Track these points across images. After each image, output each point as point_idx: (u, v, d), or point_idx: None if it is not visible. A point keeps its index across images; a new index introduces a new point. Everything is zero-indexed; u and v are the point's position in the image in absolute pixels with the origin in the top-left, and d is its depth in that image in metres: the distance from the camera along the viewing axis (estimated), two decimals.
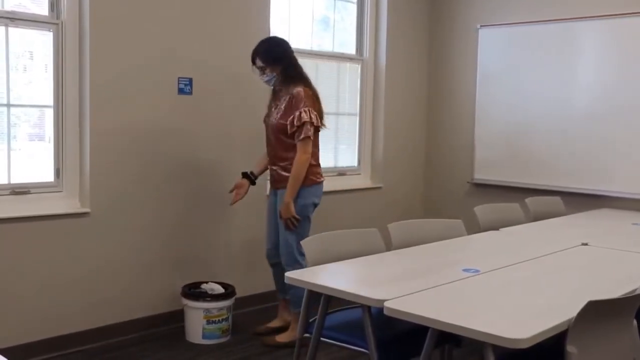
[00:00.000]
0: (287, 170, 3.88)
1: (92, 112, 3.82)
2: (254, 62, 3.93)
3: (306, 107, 3.80)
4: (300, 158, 3.82)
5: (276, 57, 3.91)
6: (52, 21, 3.76)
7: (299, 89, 3.84)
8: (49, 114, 3.82)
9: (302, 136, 3.80)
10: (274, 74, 3.90)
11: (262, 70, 3.92)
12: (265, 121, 4.06)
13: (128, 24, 3.93)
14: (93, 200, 3.85)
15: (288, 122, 3.81)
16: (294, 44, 5.00)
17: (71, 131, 3.85)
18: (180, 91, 4.20)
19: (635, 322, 2.29)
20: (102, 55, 3.83)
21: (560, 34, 5.10)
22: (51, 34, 3.76)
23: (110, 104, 3.89)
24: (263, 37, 4.59)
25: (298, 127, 3.79)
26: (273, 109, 3.97)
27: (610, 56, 4.88)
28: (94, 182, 3.85)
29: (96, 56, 3.81)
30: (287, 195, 3.83)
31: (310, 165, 3.88)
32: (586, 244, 3.33)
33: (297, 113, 3.79)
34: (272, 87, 4.01)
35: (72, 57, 3.82)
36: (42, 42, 3.77)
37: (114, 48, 3.88)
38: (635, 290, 2.23)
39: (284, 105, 3.87)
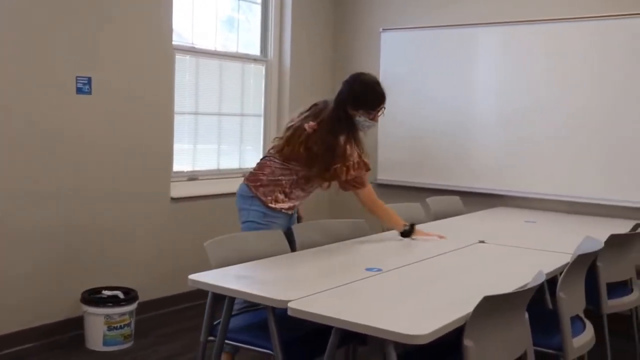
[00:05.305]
0: None
1: None
2: (383, 102, 3.55)
3: None
4: None
5: None
6: None
7: None
8: None
9: None
10: None
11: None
12: None
13: (23, 17, 3.75)
14: None
15: None
16: (198, 44, 4.98)
17: None
18: (79, 91, 4.05)
19: (526, 314, 2.40)
20: None
21: (461, 39, 5.28)
22: None
23: (6, 103, 3.70)
24: (166, 34, 4.52)
25: None
26: None
27: (507, 61, 5.10)
28: None
29: None
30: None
31: None
32: (483, 242, 3.46)
33: None
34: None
35: None
36: None
37: (8, 44, 3.69)
38: (526, 284, 2.33)
39: None
